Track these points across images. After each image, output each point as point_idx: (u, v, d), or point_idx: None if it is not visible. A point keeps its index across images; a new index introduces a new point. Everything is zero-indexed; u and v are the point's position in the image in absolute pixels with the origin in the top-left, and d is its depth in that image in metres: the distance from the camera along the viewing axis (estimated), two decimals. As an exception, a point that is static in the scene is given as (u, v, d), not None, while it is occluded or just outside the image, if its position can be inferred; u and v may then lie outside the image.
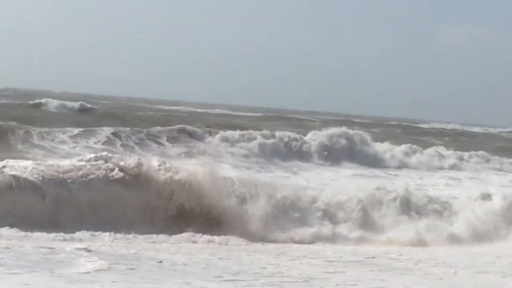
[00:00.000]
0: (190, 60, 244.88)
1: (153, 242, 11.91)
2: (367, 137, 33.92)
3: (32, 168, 12.90)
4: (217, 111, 66.77)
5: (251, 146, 30.37)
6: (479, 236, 14.41)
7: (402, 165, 32.02)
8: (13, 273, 8.85)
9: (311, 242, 13.14)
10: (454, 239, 14.15)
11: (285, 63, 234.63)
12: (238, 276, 9.67)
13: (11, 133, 26.33)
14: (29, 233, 11.47)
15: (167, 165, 13.76)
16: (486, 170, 33.36)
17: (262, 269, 10.30)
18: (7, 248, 10.41)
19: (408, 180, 25.65)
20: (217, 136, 31.25)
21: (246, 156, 29.61)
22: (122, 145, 28.01)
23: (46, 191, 12.66)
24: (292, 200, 14.09)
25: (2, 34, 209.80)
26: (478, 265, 11.80)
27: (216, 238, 12.44)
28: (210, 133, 31.79)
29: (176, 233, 12.52)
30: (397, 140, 37.65)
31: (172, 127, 31.32)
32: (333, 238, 13.45)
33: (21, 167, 12.90)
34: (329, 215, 14.10)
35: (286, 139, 31.77)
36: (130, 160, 13.84)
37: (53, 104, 45.36)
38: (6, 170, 12.69)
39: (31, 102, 46.93)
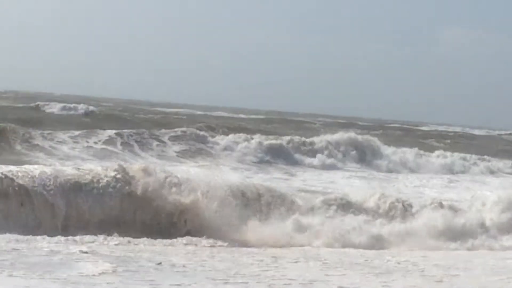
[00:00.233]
0: (189, 63, 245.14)
1: (152, 245, 11.90)
2: (376, 142, 33.98)
3: (40, 173, 13.04)
4: (219, 113, 66.79)
5: (254, 148, 30.43)
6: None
7: (406, 168, 31.99)
8: (14, 276, 8.85)
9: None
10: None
11: (284, 66, 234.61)
12: (238, 279, 9.65)
13: (12, 134, 26.37)
14: (30, 236, 11.53)
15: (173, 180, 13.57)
16: (488, 173, 33.37)
17: (263, 271, 10.29)
18: (7, 250, 10.42)
19: (406, 182, 25.76)
20: (220, 139, 31.30)
21: (246, 158, 29.66)
22: (122, 144, 28.08)
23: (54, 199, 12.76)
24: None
25: (2, 35, 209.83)
26: (474, 267, 11.77)
27: (218, 242, 12.46)
28: (212, 136, 31.81)
29: (175, 236, 12.59)
30: (399, 143, 37.65)
31: (176, 129, 31.47)
32: None
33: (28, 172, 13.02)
34: None
35: (291, 143, 31.94)
36: (138, 179, 13.58)
37: (55, 106, 45.41)
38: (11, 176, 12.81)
39: (33, 104, 47.00)
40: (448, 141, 52.76)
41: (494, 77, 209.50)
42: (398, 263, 11.71)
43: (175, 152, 29.26)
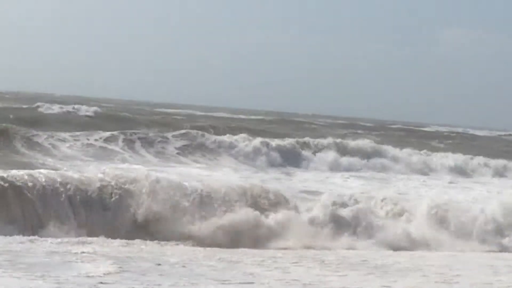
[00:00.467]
0: (189, 63, 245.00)
1: (151, 246, 11.90)
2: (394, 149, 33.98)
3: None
4: (220, 114, 66.72)
5: (258, 149, 30.49)
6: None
7: (411, 170, 31.90)
8: (14, 277, 8.85)
9: None
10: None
11: (284, 66, 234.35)
12: (236, 279, 9.64)
13: (14, 135, 26.41)
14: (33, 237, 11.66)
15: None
16: (492, 174, 33.28)
17: (264, 272, 10.27)
18: (6, 251, 10.42)
19: (405, 182, 25.75)
20: (228, 140, 31.31)
21: (251, 159, 29.70)
22: (125, 145, 28.13)
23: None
24: None
25: (1, 36, 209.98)
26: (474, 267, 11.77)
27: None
28: (214, 138, 31.76)
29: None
30: (403, 144, 37.62)
31: (182, 131, 31.55)
32: None
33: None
34: None
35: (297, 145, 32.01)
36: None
37: (59, 108, 45.34)
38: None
39: (35, 105, 46.92)
40: (450, 141, 52.80)
41: (494, 78, 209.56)
42: (399, 263, 11.70)
43: (177, 153, 29.26)
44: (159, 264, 10.18)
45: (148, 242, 12.11)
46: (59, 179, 13.28)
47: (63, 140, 27.01)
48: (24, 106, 47.14)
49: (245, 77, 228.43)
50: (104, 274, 9.28)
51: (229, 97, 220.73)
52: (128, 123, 37.22)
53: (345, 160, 31.44)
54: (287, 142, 32.20)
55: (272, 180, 22.27)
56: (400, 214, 15.09)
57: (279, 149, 31.10)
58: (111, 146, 27.71)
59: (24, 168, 14.83)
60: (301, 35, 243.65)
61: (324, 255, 12.11)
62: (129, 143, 28.51)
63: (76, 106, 45.87)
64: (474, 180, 30.53)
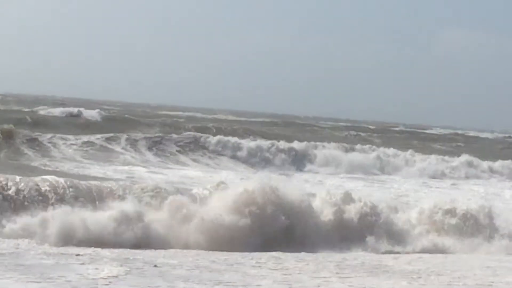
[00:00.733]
0: (189, 65, 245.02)
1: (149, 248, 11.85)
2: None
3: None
4: (221, 116, 66.74)
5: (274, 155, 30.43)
6: None
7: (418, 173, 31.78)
8: (10, 277, 8.81)
9: None
10: None
11: (284, 68, 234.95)
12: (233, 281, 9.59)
13: (19, 137, 26.39)
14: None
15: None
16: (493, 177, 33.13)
17: (265, 272, 10.24)
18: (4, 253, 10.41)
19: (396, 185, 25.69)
20: (240, 143, 31.22)
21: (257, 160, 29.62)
22: (132, 148, 28.11)
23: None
24: None
25: (2, 39, 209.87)
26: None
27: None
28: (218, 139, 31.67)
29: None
30: (407, 147, 37.56)
31: (188, 133, 31.54)
32: None
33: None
34: None
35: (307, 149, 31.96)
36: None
37: (61, 110, 45.28)
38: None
39: (40, 108, 46.91)
40: (453, 144, 52.72)
41: (495, 79, 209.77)
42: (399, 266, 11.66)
43: (185, 156, 29.23)
44: (156, 266, 10.13)
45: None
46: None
47: (74, 144, 27.01)
48: (28, 109, 47.12)
49: (245, 79, 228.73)
50: (108, 276, 9.29)
51: (229, 99, 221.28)
52: (134, 126, 37.20)
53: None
54: (300, 144, 32.16)
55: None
56: None
57: (290, 152, 31.06)
58: (118, 149, 27.76)
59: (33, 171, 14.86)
60: (301, 37, 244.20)
61: (322, 258, 12.09)
62: (138, 146, 28.53)
63: (79, 109, 45.87)
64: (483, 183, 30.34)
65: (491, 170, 33.77)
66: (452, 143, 53.72)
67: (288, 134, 39.99)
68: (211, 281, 9.34)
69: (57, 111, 45.37)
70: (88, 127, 34.70)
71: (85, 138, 28.15)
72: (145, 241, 11.94)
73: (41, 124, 33.93)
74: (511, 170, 34.00)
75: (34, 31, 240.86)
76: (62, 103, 65.58)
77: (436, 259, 12.67)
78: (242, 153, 30.06)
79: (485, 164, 34.31)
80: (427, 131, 72.84)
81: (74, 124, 36.98)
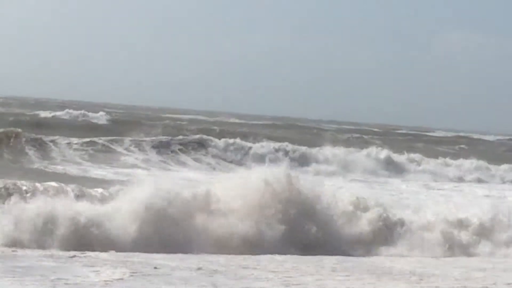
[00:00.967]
0: (189, 66, 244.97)
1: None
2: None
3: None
4: (223, 119, 66.70)
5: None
6: None
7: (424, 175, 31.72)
8: (8, 278, 8.80)
9: None
10: None
11: (284, 70, 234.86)
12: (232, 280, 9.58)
13: (27, 140, 26.38)
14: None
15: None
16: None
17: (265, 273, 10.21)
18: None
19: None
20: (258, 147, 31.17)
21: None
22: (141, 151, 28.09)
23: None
24: None
25: (3, 41, 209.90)
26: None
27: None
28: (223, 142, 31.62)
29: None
30: (412, 150, 37.51)
31: (194, 137, 31.49)
32: None
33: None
34: None
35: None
36: None
37: (66, 113, 45.28)
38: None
39: (45, 111, 46.93)
40: (457, 147, 52.67)
41: (496, 80, 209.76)
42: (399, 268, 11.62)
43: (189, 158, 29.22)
44: (156, 268, 10.03)
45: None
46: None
47: (81, 147, 27.02)
48: (31, 112, 47.07)
49: (245, 79, 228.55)
50: (109, 278, 9.25)
51: (229, 99, 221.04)
52: (139, 128, 37.12)
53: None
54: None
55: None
56: None
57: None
58: (123, 151, 27.78)
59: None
60: (300, 37, 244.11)
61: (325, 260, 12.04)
62: (143, 148, 28.51)
63: (84, 112, 45.88)
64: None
65: (500, 174, 33.61)
66: (455, 146, 53.67)
67: (293, 137, 39.98)
68: (211, 284, 9.32)
69: (61, 114, 45.34)
70: (95, 130, 34.73)
71: (92, 140, 28.16)
72: None
73: (46, 127, 33.91)
74: None
75: (34, 31, 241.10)
76: (62, 105, 65.53)
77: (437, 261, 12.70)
78: (248, 157, 29.99)
79: (493, 168, 34.21)
80: (430, 134, 72.89)
81: (79, 127, 37.07)
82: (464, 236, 14.47)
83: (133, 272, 9.65)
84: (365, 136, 53.49)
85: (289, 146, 32.05)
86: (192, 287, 9.13)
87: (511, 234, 14.63)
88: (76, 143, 27.62)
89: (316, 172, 29.66)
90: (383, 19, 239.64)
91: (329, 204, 13.84)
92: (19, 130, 27.22)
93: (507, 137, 75.77)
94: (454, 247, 14.10)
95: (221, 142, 31.17)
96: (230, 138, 33.16)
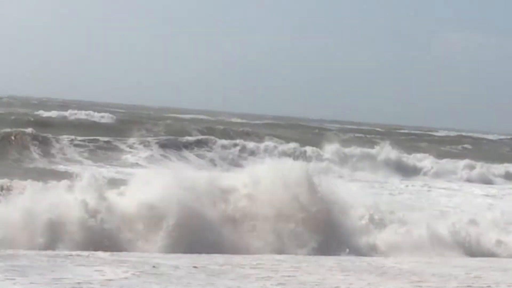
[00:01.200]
0: (189, 66, 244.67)
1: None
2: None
3: None
4: (233, 119, 66.61)
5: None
6: None
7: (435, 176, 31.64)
8: (6, 278, 8.76)
9: None
10: None
11: (284, 70, 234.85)
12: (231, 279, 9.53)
13: (32, 139, 26.35)
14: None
15: None
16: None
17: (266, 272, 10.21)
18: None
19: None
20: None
21: None
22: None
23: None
24: None
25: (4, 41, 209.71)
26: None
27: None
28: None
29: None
30: (416, 149, 37.46)
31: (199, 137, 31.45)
32: None
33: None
34: None
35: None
36: None
37: (70, 112, 45.24)
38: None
39: (49, 112, 46.86)
40: (460, 146, 52.63)
41: (496, 80, 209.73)
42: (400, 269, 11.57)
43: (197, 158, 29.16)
44: (154, 267, 10.05)
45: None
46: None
47: (90, 147, 27.02)
48: (37, 112, 46.96)
49: (245, 79, 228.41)
50: (110, 277, 9.19)
51: (229, 99, 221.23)
52: (145, 128, 37.12)
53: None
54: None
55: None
56: None
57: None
58: (129, 150, 27.80)
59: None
60: (300, 37, 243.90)
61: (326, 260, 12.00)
62: (150, 148, 28.53)
63: (89, 112, 45.82)
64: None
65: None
66: (458, 145, 53.61)
67: (299, 137, 39.94)
68: (210, 283, 9.30)
69: (66, 114, 45.27)
70: (101, 129, 34.70)
71: (100, 139, 28.17)
72: None
73: (52, 127, 33.86)
74: None
75: (34, 32, 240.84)
76: (63, 104, 65.49)
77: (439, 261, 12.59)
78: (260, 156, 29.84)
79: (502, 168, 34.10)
80: (434, 133, 72.77)
81: (85, 126, 36.97)
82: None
83: (132, 271, 9.63)
84: (368, 136, 53.48)
85: (308, 148, 31.93)
86: (191, 286, 9.09)
87: None
88: (83, 142, 27.63)
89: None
90: (383, 19, 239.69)
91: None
92: (31, 130, 27.24)
93: (509, 137, 75.68)
94: None
95: (235, 144, 31.01)
96: (237, 138, 33.20)
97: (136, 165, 25.89)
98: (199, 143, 30.62)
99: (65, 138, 27.51)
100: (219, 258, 11.27)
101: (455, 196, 23.99)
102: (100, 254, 10.73)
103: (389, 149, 33.75)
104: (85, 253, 10.72)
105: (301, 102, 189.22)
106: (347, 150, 33.34)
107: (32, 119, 38.64)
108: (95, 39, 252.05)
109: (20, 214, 11.59)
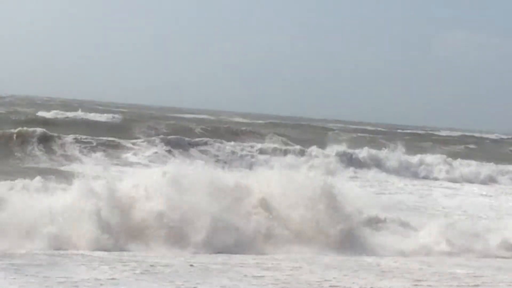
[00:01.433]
0: (189, 66, 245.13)
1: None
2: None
3: None
4: (237, 119, 66.55)
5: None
6: None
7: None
8: (5, 277, 8.78)
9: None
10: None
11: (285, 71, 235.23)
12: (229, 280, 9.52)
13: (40, 139, 26.34)
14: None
15: None
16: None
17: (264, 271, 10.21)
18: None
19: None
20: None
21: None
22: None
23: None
24: None
25: (6, 40, 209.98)
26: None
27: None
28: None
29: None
30: (421, 149, 37.36)
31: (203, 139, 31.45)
32: None
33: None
34: None
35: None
36: None
37: (85, 113, 45.20)
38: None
39: (57, 111, 46.83)
40: (463, 146, 52.58)
41: (496, 80, 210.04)
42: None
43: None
44: (152, 265, 10.02)
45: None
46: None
47: (99, 147, 26.98)
48: (41, 112, 46.86)
49: (246, 79, 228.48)
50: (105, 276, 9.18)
51: (229, 98, 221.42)
52: (153, 127, 37.06)
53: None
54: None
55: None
56: None
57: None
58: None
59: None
60: (300, 39, 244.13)
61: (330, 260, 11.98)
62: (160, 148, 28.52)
63: (95, 113, 45.80)
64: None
65: None
66: (462, 145, 53.57)
67: (306, 137, 39.97)
68: (209, 282, 9.32)
69: (69, 113, 45.24)
70: (109, 129, 34.66)
71: (110, 139, 28.18)
72: None
73: (57, 126, 33.80)
74: None
75: (34, 31, 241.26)
76: (65, 104, 65.48)
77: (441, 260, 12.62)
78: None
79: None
80: (436, 133, 72.84)
81: (92, 125, 36.88)
82: None
83: (129, 270, 9.65)
84: (370, 135, 53.44)
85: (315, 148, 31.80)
86: (187, 285, 9.12)
87: None
88: (89, 141, 27.55)
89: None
90: (384, 19, 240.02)
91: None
92: (37, 129, 27.18)
93: (510, 136, 75.70)
94: None
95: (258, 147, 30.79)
96: (243, 137, 33.16)
97: (146, 164, 25.81)
98: (206, 143, 30.50)
99: (70, 137, 27.44)
100: (219, 257, 11.28)
101: (492, 198, 23.86)
102: (98, 253, 10.73)
103: (402, 150, 33.57)
104: (83, 252, 10.73)
105: (301, 103, 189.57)
106: (357, 150, 33.11)
107: (36, 118, 38.55)
108: (95, 39, 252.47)
109: None
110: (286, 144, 34.79)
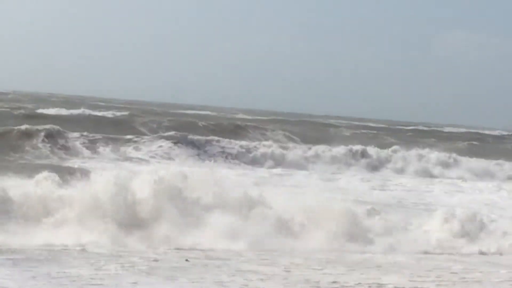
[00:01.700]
0: (192, 65, 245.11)
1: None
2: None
3: None
4: (240, 115, 66.49)
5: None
6: None
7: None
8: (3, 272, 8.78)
9: None
10: None
11: (286, 70, 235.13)
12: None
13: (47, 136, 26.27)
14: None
15: None
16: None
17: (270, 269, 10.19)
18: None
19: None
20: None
21: None
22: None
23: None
24: None
25: (6, 40, 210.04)
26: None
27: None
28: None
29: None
30: (426, 146, 37.28)
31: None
32: None
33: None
34: None
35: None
36: None
37: (89, 110, 45.11)
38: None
39: (61, 108, 46.77)
40: (466, 143, 52.50)
41: (497, 81, 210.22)
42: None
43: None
44: (156, 260, 10.05)
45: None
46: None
47: (108, 145, 26.96)
48: (46, 109, 46.74)
49: (246, 79, 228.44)
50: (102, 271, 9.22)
51: (229, 98, 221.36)
52: (160, 126, 36.99)
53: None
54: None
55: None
56: None
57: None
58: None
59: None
60: (301, 38, 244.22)
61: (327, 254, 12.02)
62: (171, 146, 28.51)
63: (100, 110, 45.70)
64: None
65: None
66: (465, 142, 53.51)
67: (311, 135, 39.94)
68: (207, 278, 9.33)
69: (72, 110, 45.06)
70: (116, 126, 34.57)
71: (117, 137, 28.15)
72: None
73: (61, 123, 33.71)
74: None
75: (35, 30, 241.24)
76: (64, 100, 65.41)
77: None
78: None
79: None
80: (440, 130, 72.84)
81: (95, 122, 36.77)
82: None
83: (125, 265, 9.68)
84: (372, 132, 53.40)
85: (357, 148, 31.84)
86: (183, 280, 9.15)
87: None
88: (96, 138, 27.54)
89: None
90: (384, 19, 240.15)
91: None
92: (58, 127, 27.18)
93: (510, 133, 75.66)
94: None
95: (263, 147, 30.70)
96: (249, 133, 33.10)
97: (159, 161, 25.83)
98: (214, 141, 30.39)
99: (76, 134, 27.41)
100: (219, 253, 11.32)
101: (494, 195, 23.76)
102: (95, 248, 10.74)
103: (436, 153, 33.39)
104: (80, 247, 10.72)
105: (301, 103, 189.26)
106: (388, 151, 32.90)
107: (41, 114, 38.45)
108: (97, 39, 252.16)
109: None
110: (292, 140, 34.71)
